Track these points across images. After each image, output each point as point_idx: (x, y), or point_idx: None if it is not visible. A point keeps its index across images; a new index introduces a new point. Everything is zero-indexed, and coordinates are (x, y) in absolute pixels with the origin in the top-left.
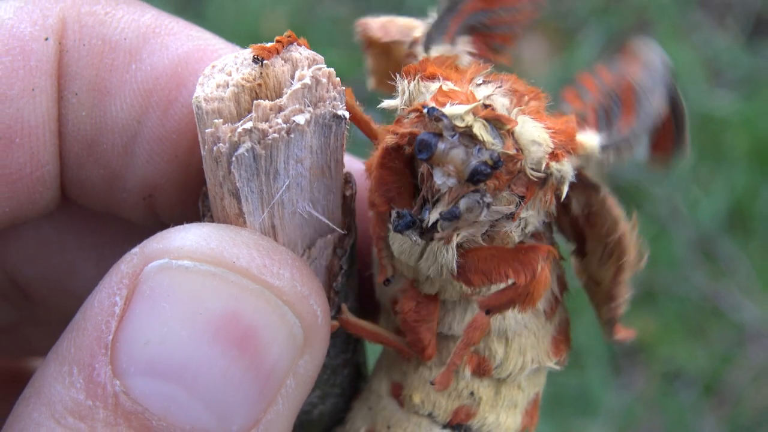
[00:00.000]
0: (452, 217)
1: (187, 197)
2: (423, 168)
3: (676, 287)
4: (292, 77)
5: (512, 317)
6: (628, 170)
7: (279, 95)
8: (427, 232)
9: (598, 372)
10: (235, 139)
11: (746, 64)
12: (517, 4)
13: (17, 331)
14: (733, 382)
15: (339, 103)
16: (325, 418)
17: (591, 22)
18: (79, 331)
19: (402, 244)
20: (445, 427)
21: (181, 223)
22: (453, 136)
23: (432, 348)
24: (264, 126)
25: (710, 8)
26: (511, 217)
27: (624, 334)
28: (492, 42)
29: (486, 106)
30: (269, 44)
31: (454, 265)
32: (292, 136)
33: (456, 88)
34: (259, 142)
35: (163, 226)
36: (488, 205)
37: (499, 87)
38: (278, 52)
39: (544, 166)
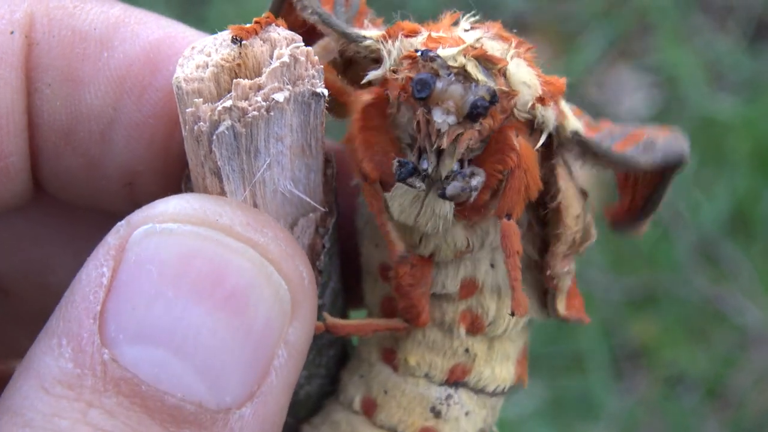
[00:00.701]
0: (442, 197)
1: (168, 184)
2: (418, 115)
3: (678, 290)
4: (271, 57)
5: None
6: None
7: (258, 74)
8: (433, 183)
9: (599, 376)
10: (216, 117)
11: (748, 67)
12: None
13: None
14: (736, 385)
15: (318, 81)
16: (312, 399)
17: (592, 25)
18: (68, 305)
19: (402, 202)
20: (441, 385)
21: None
22: (449, 75)
23: (426, 314)
24: (244, 104)
25: (712, 12)
26: None
27: (573, 312)
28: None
29: (476, 48)
30: (248, 25)
31: (452, 214)
32: (271, 114)
33: (444, 35)
34: (239, 121)
35: None
36: (475, 188)
37: (487, 32)
38: (257, 33)
39: (529, 107)
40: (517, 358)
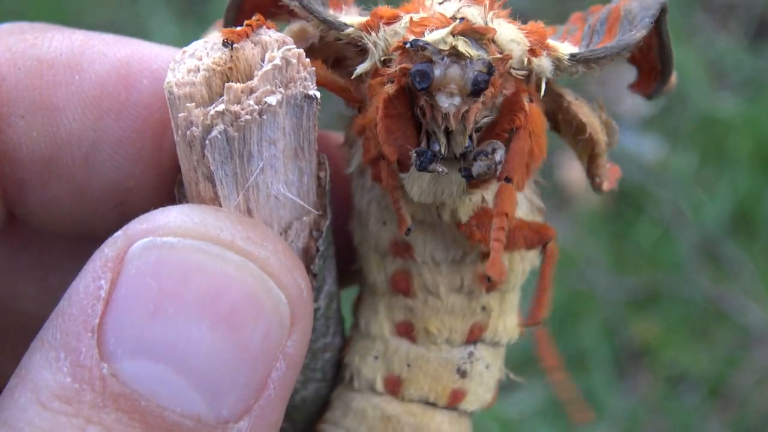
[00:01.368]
0: (468, 177)
1: (162, 196)
2: (422, 101)
3: (680, 290)
4: (263, 60)
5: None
6: (631, 173)
7: (250, 78)
8: (453, 161)
9: (601, 375)
10: (208, 122)
11: (750, 66)
12: None
13: None
14: (738, 385)
15: (310, 83)
16: (308, 403)
17: None
18: (65, 317)
19: (421, 184)
20: (461, 346)
21: None
22: (443, 59)
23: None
24: (236, 108)
25: (713, 11)
26: None
27: (612, 181)
28: None
29: (461, 20)
30: (239, 28)
31: (465, 182)
32: (264, 117)
33: (425, 15)
34: (231, 125)
35: None
36: (499, 163)
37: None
38: (248, 36)
39: (525, 62)
40: (517, 306)
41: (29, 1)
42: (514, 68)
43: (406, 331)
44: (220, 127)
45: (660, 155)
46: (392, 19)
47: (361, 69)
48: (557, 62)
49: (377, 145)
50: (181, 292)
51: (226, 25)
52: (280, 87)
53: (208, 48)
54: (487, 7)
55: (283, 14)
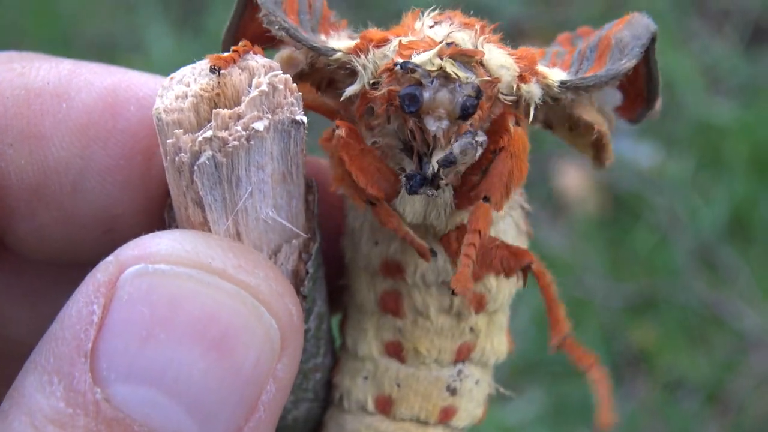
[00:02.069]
0: (449, 163)
1: (151, 221)
2: (410, 125)
3: (677, 296)
4: (250, 85)
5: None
6: (628, 179)
7: (237, 104)
8: (435, 182)
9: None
10: (196, 148)
11: (745, 71)
12: None
13: None
14: (736, 390)
15: (297, 108)
16: (300, 423)
17: None
18: (58, 341)
19: (413, 205)
20: (450, 365)
21: None
22: (432, 82)
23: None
24: (224, 134)
25: (708, 16)
26: None
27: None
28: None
29: (449, 44)
30: (226, 54)
31: (452, 200)
32: (252, 143)
33: (414, 38)
34: (219, 151)
35: None
36: (481, 144)
37: (451, 24)
38: (235, 62)
39: (514, 88)
40: (506, 327)
41: (28, 15)
42: (503, 93)
43: (395, 351)
44: (209, 153)
45: (656, 161)
46: (382, 42)
47: (350, 91)
48: (547, 88)
49: (362, 194)
50: (172, 319)
51: (224, 48)
52: (267, 113)
53: (195, 74)
54: (478, 32)
55: (278, 40)
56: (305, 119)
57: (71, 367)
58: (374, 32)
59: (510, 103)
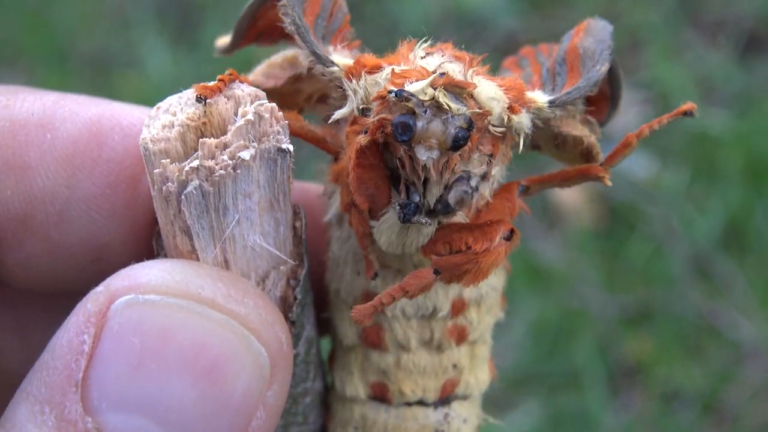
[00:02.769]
0: (447, 211)
1: (139, 249)
2: (400, 152)
3: (673, 306)
4: (236, 114)
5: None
6: (623, 191)
7: (224, 132)
8: (432, 213)
9: (596, 393)
10: (183, 177)
11: (739, 81)
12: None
13: None
14: (732, 400)
15: (282, 137)
16: None
17: None
18: (49, 370)
19: (389, 235)
20: (435, 406)
21: None
22: (425, 112)
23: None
24: (210, 163)
25: (702, 27)
26: (485, 177)
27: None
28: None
29: (442, 75)
30: (211, 83)
31: (426, 240)
32: (238, 171)
33: (407, 68)
34: (206, 180)
35: None
36: (476, 188)
37: (443, 55)
38: (221, 91)
39: (505, 120)
40: (488, 357)
41: (23, 30)
42: (493, 125)
43: (381, 392)
44: (195, 182)
45: (651, 172)
46: (374, 69)
47: (338, 115)
48: (538, 112)
49: (350, 193)
50: (163, 349)
51: (234, 38)
52: (253, 141)
53: (182, 103)
54: (468, 64)
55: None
56: (291, 147)
57: (62, 397)
58: (368, 58)
59: (500, 135)
